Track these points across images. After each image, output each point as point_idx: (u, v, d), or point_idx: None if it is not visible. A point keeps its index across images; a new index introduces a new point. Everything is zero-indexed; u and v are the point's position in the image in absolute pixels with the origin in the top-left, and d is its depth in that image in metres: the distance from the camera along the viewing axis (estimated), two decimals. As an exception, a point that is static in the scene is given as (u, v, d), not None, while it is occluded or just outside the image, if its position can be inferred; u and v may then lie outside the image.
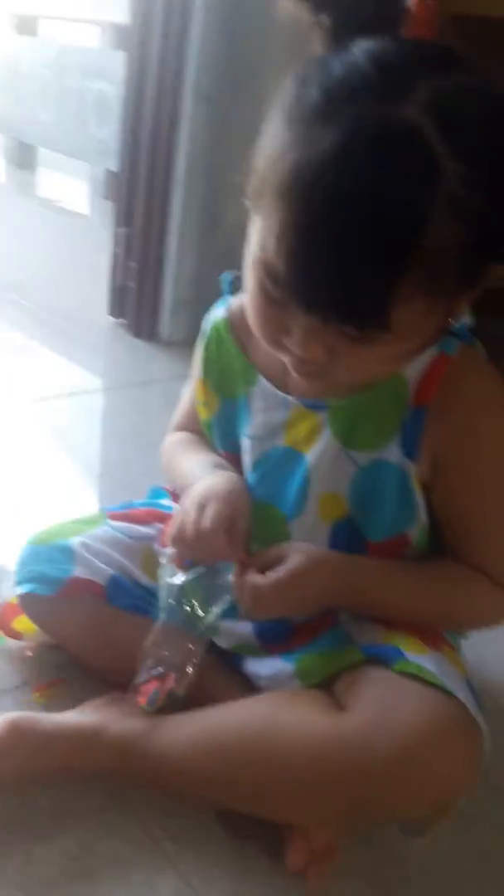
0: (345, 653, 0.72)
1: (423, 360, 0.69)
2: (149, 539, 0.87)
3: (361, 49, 0.56)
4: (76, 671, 0.85)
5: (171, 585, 0.76)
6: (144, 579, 0.84)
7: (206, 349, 0.83)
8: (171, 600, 0.76)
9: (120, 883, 0.67)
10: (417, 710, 0.64)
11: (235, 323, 0.80)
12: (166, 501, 0.93)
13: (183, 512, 0.74)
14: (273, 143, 0.58)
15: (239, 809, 0.71)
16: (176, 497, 0.93)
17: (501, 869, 0.74)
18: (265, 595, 0.71)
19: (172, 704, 0.74)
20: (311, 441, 0.75)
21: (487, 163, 0.54)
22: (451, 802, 0.67)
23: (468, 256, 0.56)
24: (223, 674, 0.80)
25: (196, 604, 0.75)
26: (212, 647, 0.80)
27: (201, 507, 0.73)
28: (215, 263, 1.68)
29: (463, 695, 0.66)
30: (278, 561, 0.72)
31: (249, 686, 0.79)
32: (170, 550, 0.76)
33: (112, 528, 0.87)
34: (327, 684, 0.72)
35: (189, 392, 0.89)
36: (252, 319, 0.67)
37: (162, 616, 0.76)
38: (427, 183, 0.52)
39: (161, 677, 0.75)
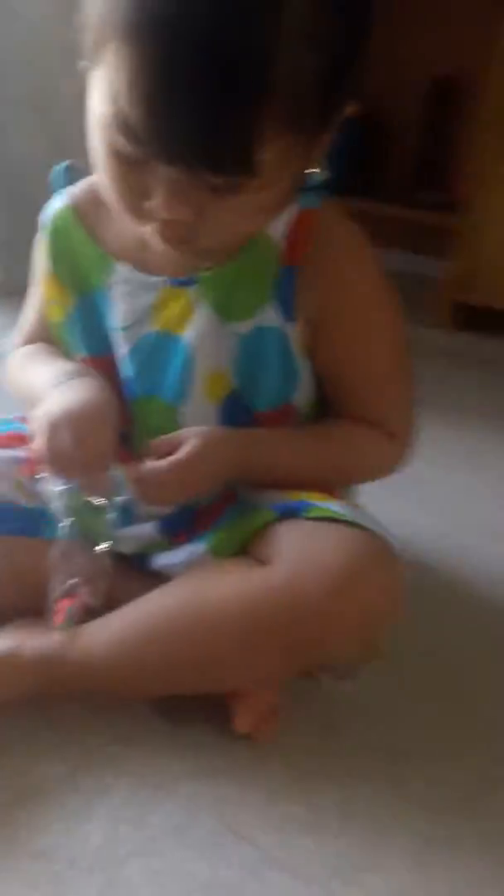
0: (255, 516, 0.72)
1: (286, 219, 0.69)
2: (18, 462, 0.82)
3: None
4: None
5: (58, 499, 0.73)
6: (23, 501, 0.80)
7: (52, 242, 0.78)
8: (62, 514, 0.73)
9: (70, 793, 0.65)
10: (338, 547, 0.66)
11: (81, 210, 0.76)
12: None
13: (37, 435, 0.70)
14: None
15: (177, 692, 0.70)
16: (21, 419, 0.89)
17: (433, 702, 0.79)
18: (167, 480, 0.70)
19: (90, 619, 0.72)
20: (186, 320, 0.73)
21: None
22: (380, 637, 0.70)
23: (324, 86, 0.56)
24: (133, 578, 0.78)
25: (89, 510, 0.72)
26: (116, 556, 0.78)
27: (54, 428, 0.68)
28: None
29: (378, 529, 0.69)
30: (174, 447, 0.71)
31: (162, 582, 0.77)
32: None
33: None
34: (242, 553, 0.72)
35: (33, 299, 0.84)
36: (109, 191, 0.64)
37: (60, 532, 0.73)
38: (273, 9, 0.51)
39: (73, 592, 0.72)
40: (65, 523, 0.72)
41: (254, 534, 0.71)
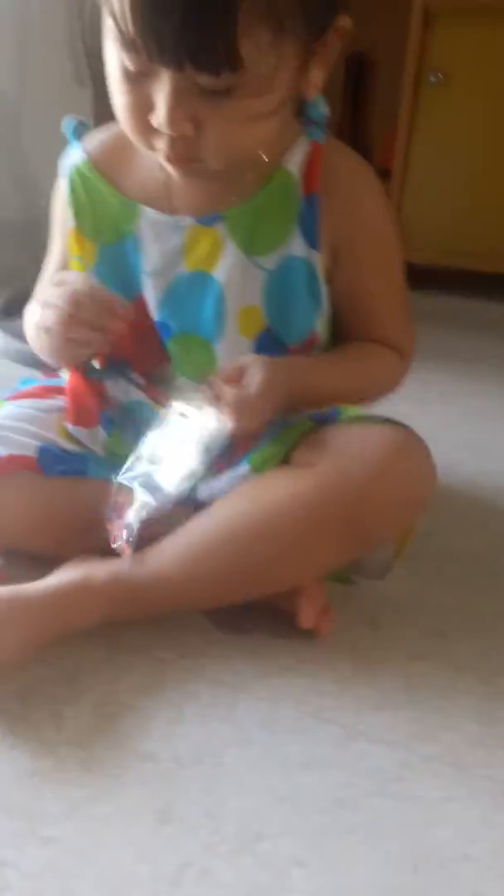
0: (292, 428, 0.77)
1: (300, 152, 0.75)
2: (58, 410, 0.85)
3: None
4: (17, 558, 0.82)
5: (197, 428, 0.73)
6: (69, 446, 0.82)
7: (73, 195, 0.80)
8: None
9: (156, 703, 0.69)
10: (375, 440, 0.72)
11: (99, 159, 0.79)
12: (58, 376, 0.90)
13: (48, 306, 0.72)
14: None
15: (243, 598, 0.75)
16: (51, 374, 0.90)
17: (458, 589, 0.87)
18: (255, 403, 0.72)
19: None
20: (215, 258, 0.76)
21: None
22: (416, 519, 0.77)
23: None
24: (180, 510, 0.82)
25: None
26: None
27: (73, 292, 0.71)
28: None
29: (403, 425, 0.75)
30: (240, 374, 0.73)
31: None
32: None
33: (18, 406, 0.83)
34: (283, 464, 0.76)
35: (54, 254, 0.86)
36: (120, 113, 0.68)
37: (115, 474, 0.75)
38: None
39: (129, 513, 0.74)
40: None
41: (293, 445, 0.76)
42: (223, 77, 0.60)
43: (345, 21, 0.67)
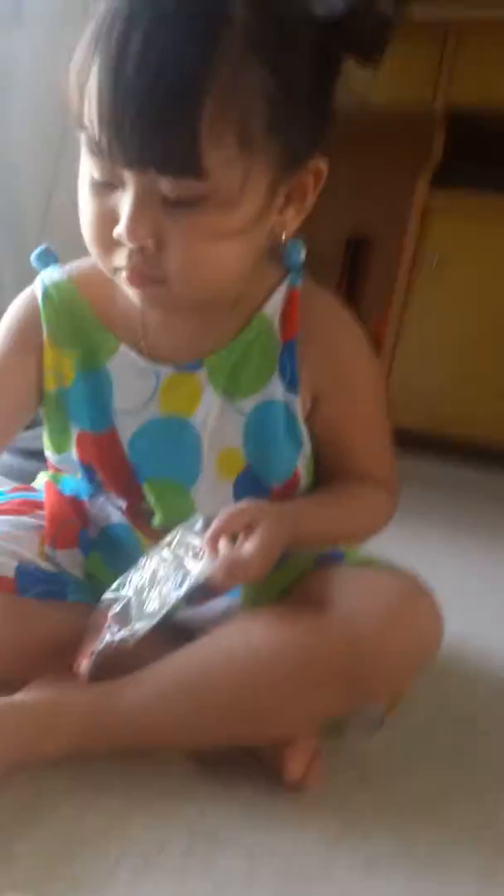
0: (292, 565, 0.74)
1: (279, 297, 0.74)
2: (37, 528, 0.81)
3: None
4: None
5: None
6: (48, 567, 0.79)
7: (52, 312, 0.75)
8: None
9: (122, 848, 0.61)
10: (386, 585, 0.70)
11: (80, 282, 0.75)
12: (35, 487, 0.87)
13: None
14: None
15: (231, 742, 0.70)
16: (24, 488, 0.88)
17: (456, 752, 0.82)
18: (254, 565, 0.67)
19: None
20: (194, 403, 0.74)
21: (278, 10, 0.59)
22: (421, 670, 0.72)
23: (270, 101, 0.59)
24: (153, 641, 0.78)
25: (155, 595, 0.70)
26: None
27: None
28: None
29: (409, 571, 0.73)
30: (241, 524, 0.69)
31: (184, 638, 0.77)
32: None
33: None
34: (277, 602, 0.74)
35: None
36: (85, 228, 0.66)
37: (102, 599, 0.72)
38: (214, 20, 0.56)
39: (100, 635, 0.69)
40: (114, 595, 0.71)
41: (291, 582, 0.74)
42: (186, 183, 0.59)
43: (321, 164, 0.66)
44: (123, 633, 0.68)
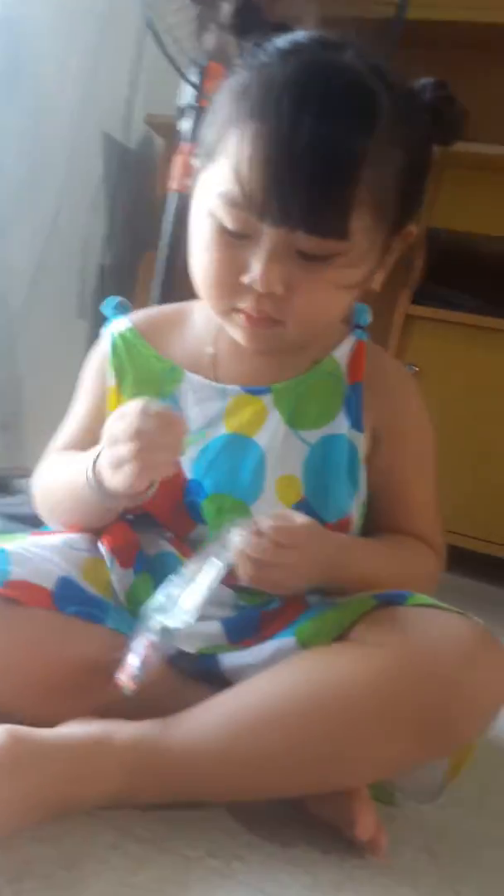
0: (352, 605, 0.69)
1: (346, 346, 0.78)
2: (87, 551, 0.75)
3: (290, 34, 0.68)
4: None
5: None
6: (91, 590, 0.71)
7: (115, 357, 0.80)
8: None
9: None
10: (455, 627, 0.65)
11: (144, 329, 0.81)
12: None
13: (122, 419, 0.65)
14: (225, 103, 0.66)
15: (292, 792, 0.62)
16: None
17: None
18: (298, 535, 0.65)
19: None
20: (258, 425, 0.76)
21: (404, 103, 0.66)
22: (489, 726, 0.66)
23: (402, 180, 0.67)
24: (189, 683, 0.70)
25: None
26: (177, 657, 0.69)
27: (144, 412, 0.64)
28: None
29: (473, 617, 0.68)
30: (283, 520, 0.67)
31: (221, 688, 0.69)
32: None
33: (44, 539, 0.74)
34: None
35: (76, 414, 0.83)
36: (206, 271, 0.69)
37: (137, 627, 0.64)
38: (372, 107, 0.63)
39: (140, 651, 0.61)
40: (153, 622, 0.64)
41: (351, 623, 0.68)
42: (328, 243, 0.64)
43: (414, 228, 0.72)
44: (167, 622, 0.62)
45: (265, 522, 0.66)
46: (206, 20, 1.44)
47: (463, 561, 1.91)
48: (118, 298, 0.84)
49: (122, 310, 0.83)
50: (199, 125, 1.48)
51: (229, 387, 0.76)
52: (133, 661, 0.60)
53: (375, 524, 0.80)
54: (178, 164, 1.46)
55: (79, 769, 0.56)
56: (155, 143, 2.27)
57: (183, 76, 1.41)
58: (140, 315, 0.83)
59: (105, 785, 0.57)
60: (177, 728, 0.60)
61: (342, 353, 0.78)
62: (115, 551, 0.75)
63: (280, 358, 0.76)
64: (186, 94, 1.46)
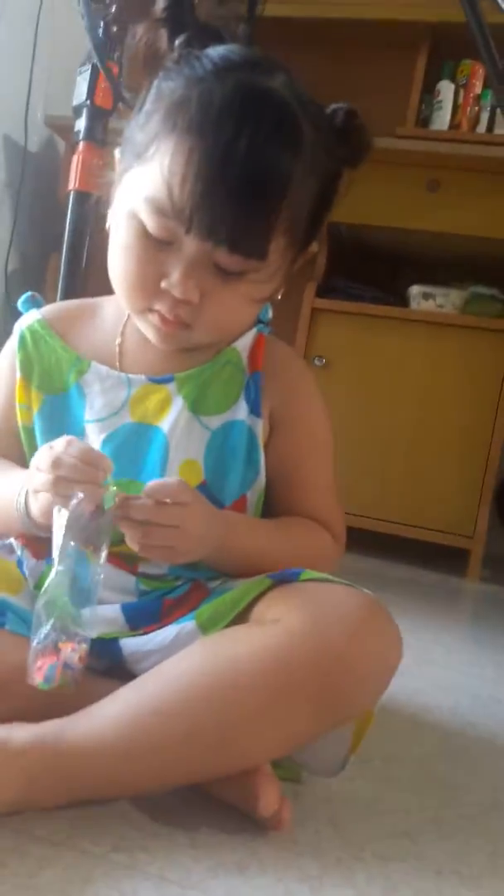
0: (248, 586, 0.71)
1: (248, 338, 0.81)
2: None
3: (223, 48, 0.69)
4: None
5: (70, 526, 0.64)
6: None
7: (23, 350, 0.82)
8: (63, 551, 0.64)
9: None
10: (346, 600, 0.67)
11: (53, 321, 0.83)
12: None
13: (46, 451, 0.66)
14: (155, 110, 0.68)
15: (193, 778, 0.63)
16: None
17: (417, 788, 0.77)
18: (169, 517, 0.66)
19: (67, 686, 0.62)
20: (163, 412, 0.78)
21: (322, 132, 0.70)
22: (382, 693, 0.69)
23: (314, 205, 0.71)
24: (100, 678, 0.70)
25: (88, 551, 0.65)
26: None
27: (64, 443, 0.66)
28: None
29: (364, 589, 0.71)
30: (168, 493, 0.67)
31: (123, 679, 0.69)
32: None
33: None
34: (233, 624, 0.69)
35: None
36: (126, 273, 0.71)
37: (54, 577, 0.64)
38: (299, 136, 0.67)
39: (55, 649, 0.62)
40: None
41: (249, 603, 0.70)
42: (247, 262, 0.67)
43: (314, 247, 0.77)
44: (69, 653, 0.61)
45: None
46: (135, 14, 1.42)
47: (374, 543, 1.98)
48: (31, 293, 0.86)
49: (34, 303, 0.85)
50: (96, 124, 1.48)
51: (134, 376, 0.78)
52: (43, 662, 0.60)
53: (274, 508, 0.82)
54: (75, 163, 1.45)
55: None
56: (57, 145, 2.25)
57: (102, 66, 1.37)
58: (51, 308, 0.85)
59: (3, 794, 0.57)
60: (78, 726, 0.60)
61: (243, 344, 0.81)
62: (27, 544, 0.77)
63: (184, 350, 0.77)
64: (80, 94, 1.45)
